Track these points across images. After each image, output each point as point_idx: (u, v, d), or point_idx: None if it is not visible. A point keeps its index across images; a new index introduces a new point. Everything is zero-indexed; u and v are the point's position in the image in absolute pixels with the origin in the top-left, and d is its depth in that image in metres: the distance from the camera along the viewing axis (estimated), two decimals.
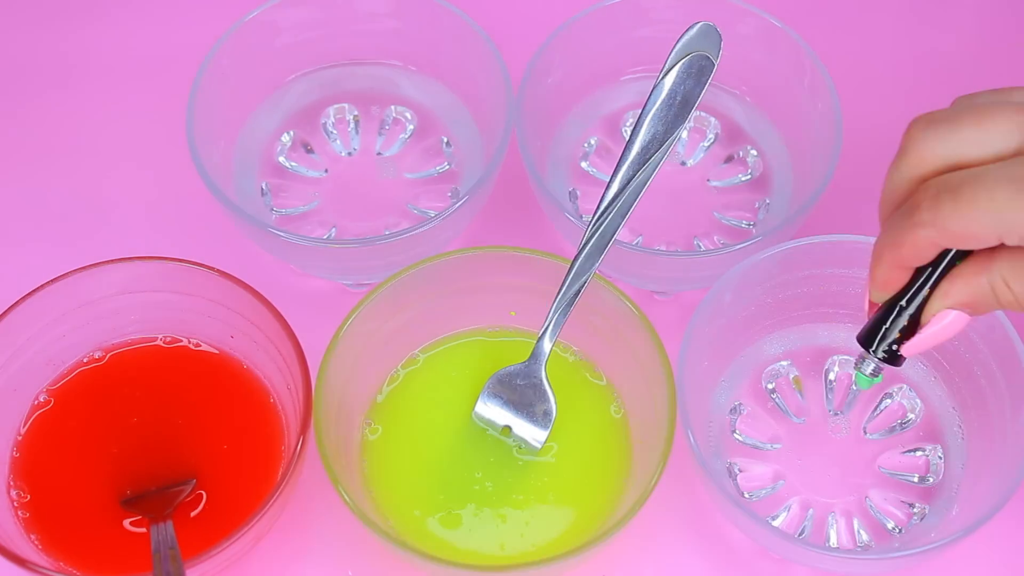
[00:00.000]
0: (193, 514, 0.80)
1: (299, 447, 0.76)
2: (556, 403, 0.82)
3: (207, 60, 0.88)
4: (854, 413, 0.85)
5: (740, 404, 0.85)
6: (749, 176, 0.94)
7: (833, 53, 0.94)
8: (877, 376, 0.72)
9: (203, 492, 0.81)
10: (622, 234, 0.80)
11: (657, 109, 0.78)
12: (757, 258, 0.82)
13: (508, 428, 0.83)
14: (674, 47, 0.78)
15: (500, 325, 0.87)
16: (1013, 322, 0.79)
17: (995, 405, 0.81)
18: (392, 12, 0.93)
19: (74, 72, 1.01)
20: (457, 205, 0.83)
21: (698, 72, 0.78)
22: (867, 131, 0.97)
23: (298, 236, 0.83)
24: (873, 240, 0.78)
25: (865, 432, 0.84)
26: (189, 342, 0.86)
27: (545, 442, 0.82)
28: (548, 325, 0.81)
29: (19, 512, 0.80)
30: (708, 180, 0.94)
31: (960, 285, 0.65)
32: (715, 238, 0.91)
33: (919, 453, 0.84)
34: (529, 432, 0.82)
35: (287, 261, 0.88)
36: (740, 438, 0.84)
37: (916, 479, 0.83)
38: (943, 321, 0.67)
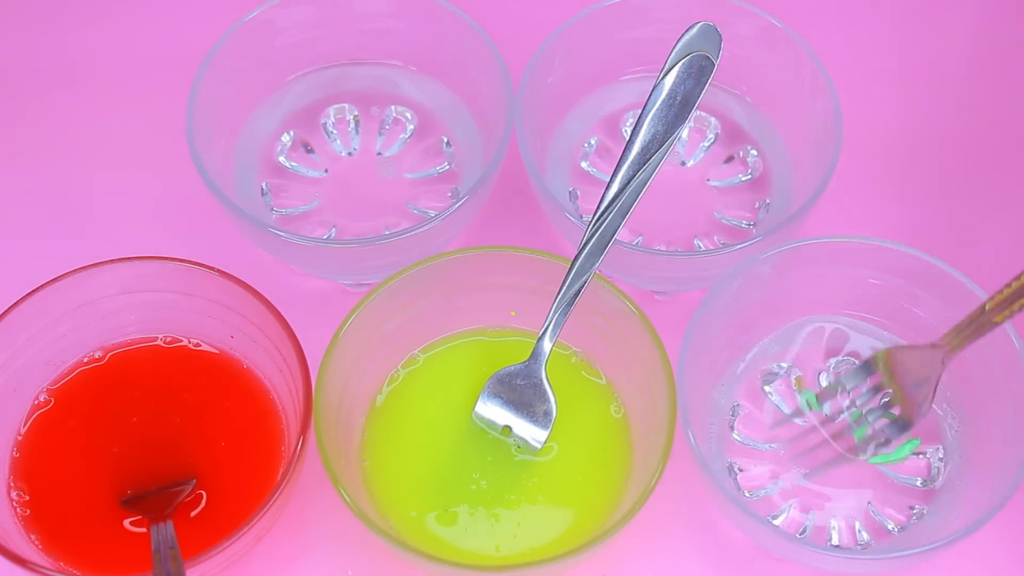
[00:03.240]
0: (193, 514, 0.80)
1: (299, 447, 0.76)
2: (556, 403, 0.82)
3: (207, 60, 0.88)
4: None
5: (739, 404, 0.85)
6: (749, 176, 0.94)
7: (833, 53, 0.95)
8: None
9: (203, 492, 0.81)
10: (622, 234, 0.80)
11: (657, 109, 0.78)
12: (757, 258, 0.82)
13: (508, 428, 0.83)
14: (674, 47, 0.78)
15: (500, 325, 0.87)
16: (1014, 323, 0.79)
17: (995, 406, 0.81)
18: (392, 12, 0.93)
19: (74, 72, 1.01)
20: (457, 205, 0.83)
21: (698, 72, 0.78)
22: (867, 131, 0.97)
23: (298, 236, 0.83)
24: (871, 241, 0.78)
25: None
26: (189, 342, 0.86)
27: (545, 442, 0.82)
28: (548, 325, 0.81)
29: (19, 512, 0.80)
30: (708, 180, 0.94)
31: None
32: (715, 238, 0.91)
33: (919, 455, 0.84)
34: (529, 432, 0.82)
35: (287, 261, 0.88)
36: (739, 438, 0.84)
37: (918, 481, 0.83)
38: None
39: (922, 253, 0.81)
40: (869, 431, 0.81)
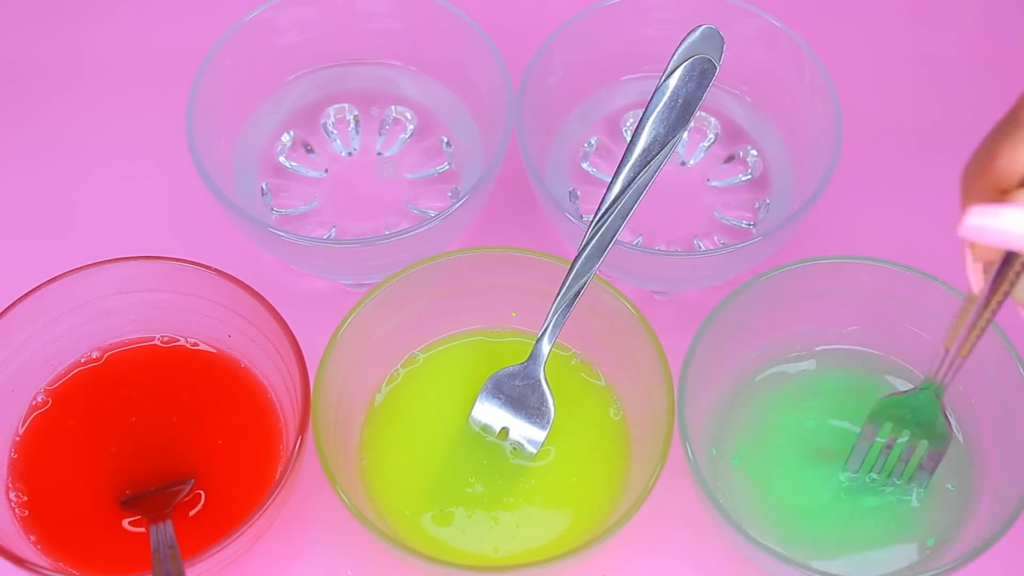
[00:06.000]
0: (192, 513, 0.80)
1: (297, 446, 0.76)
2: (555, 404, 0.82)
3: (207, 60, 0.88)
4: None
5: (738, 438, 0.84)
6: (749, 176, 0.94)
7: (833, 53, 0.94)
8: None
9: (202, 492, 0.81)
10: (622, 234, 0.80)
11: (659, 111, 0.78)
12: (761, 279, 0.81)
13: (506, 430, 0.83)
14: (676, 50, 0.78)
15: (501, 325, 0.87)
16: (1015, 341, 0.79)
17: (1005, 425, 0.80)
18: (392, 12, 0.93)
19: (74, 72, 1.01)
20: (457, 205, 0.83)
21: (700, 75, 0.78)
22: (867, 131, 0.97)
23: (298, 236, 0.83)
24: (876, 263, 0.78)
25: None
26: (186, 341, 0.86)
27: (543, 444, 0.82)
28: (547, 326, 0.80)
29: (18, 512, 0.80)
30: (708, 180, 0.94)
31: None
32: (715, 238, 0.91)
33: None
34: (527, 433, 0.82)
35: (287, 261, 0.88)
36: (740, 465, 0.84)
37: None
38: None
39: (931, 277, 0.81)
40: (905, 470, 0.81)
